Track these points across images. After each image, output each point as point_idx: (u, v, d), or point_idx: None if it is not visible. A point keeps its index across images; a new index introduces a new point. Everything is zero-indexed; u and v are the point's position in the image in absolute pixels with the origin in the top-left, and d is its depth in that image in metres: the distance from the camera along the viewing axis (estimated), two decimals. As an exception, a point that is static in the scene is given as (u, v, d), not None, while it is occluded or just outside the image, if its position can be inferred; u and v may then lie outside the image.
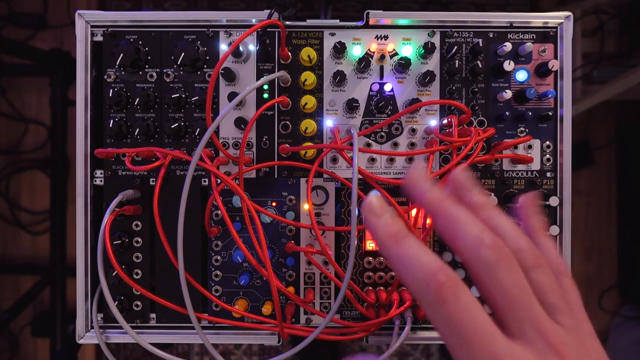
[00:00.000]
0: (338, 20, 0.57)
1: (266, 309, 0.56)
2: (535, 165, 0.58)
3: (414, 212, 0.53)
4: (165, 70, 0.58)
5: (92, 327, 0.57)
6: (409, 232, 0.32)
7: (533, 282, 0.30)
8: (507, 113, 0.57)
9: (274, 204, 0.58)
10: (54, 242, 1.46)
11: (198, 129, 0.57)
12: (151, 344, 0.54)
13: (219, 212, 0.57)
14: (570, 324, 0.30)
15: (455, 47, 0.56)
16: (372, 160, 0.58)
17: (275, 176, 0.58)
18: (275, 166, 0.58)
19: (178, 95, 0.56)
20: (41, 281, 1.63)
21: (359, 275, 0.59)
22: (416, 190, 0.34)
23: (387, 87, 0.57)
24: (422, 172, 0.34)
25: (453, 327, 0.28)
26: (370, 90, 0.58)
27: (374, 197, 0.34)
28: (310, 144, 0.58)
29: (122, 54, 0.55)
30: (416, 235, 0.49)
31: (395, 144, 0.58)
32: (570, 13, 0.56)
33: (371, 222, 0.33)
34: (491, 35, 0.58)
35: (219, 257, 0.58)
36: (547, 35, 0.57)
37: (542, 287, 0.30)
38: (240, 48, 0.55)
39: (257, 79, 0.58)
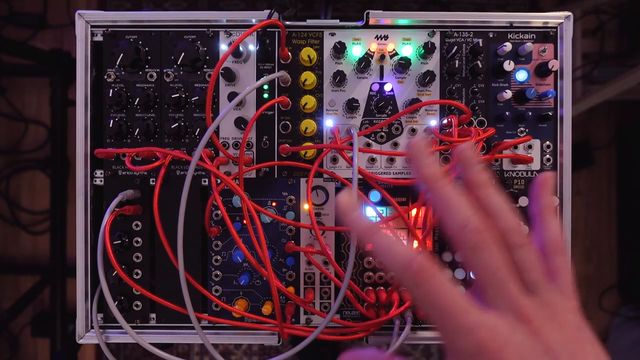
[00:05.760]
0: (338, 20, 0.57)
1: (266, 309, 0.56)
2: (535, 165, 0.58)
3: (413, 212, 0.53)
4: (165, 70, 0.58)
5: (92, 327, 0.57)
6: (379, 226, 0.34)
7: (517, 260, 0.33)
8: (507, 113, 0.57)
9: (274, 204, 0.58)
10: (54, 242, 1.46)
11: (198, 129, 0.57)
12: (151, 344, 0.54)
13: (219, 212, 0.57)
14: (547, 299, 0.32)
15: (455, 47, 0.56)
16: (372, 160, 0.58)
17: (275, 176, 0.58)
18: (275, 166, 0.58)
19: (178, 95, 0.56)
20: (41, 281, 1.63)
21: (359, 275, 0.59)
22: (416, 164, 0.36)
23: (387, 87, 0.57)
24: (423, 145, 0.36)
25: (431, 303, 0.32)
26: (370, 90, 0.58)
27: (343, 196, 0.36)
28: (310, 144, 0.58)
29: (122, 54, 0.55)
30: (416, 235, 0.49)
31: (395, 144, 0.58)
32: (570, 13, 0.56)
33: (344, 220, 0.36)
34: (491, 35, 0.58)
35: (219, 257, 0.58)
36: (547, 35, 0.57)
37: (524, 265, 0.33)
38: (240, 48, 0.55)
39: (257, 79, 0.58)
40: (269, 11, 0.53)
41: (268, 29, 0.57)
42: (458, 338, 0.31)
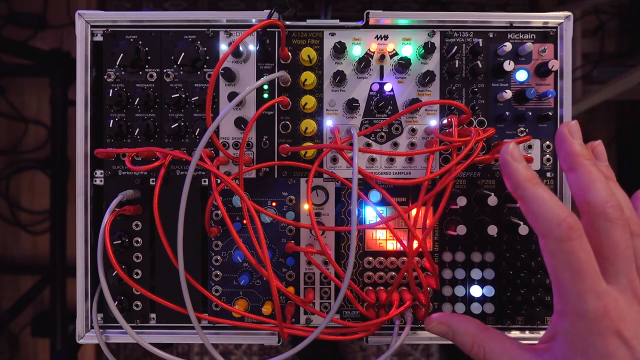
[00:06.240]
0: (338, 20, 0.57)
1: (266, 309, 0.56)
2: (535, 165, 0.58)
3: (413, 212, 0.53)
4: (165, 70, 0.58)
5: (92, 327, 0.58)
6: (538, 178, 0.40)
7: (634, 247, 0.38)
8: (507, 113, 0.57)
9: (274, 204, 0.58)
10: (54, 242, 1.46)
11: (198, 129, 0.57)
12: (151, 344, 0.54)
13: (219, 212, 0.57)
14: None
15: (455, 47, 0.56)
16: (372, 160, 0.58)
17: (275, 176, 0.58)
18: (275, 166, 0.58)
19: (178, 95, 0.57)
20: (41, 281, 1.63)
21: (359, 275, 0.59)
22: (566, 142, 0.41)
23: (387, 87, 0.57)
24: (575, 129, 0.42)
25: (570, 261, 0.35)
26: (370, 90, 0.58)
27: (515, 145, 0.42)
28: (310, 144, 0.58)
29: (122, 54, 0.55)
30: (417, 235, 0.49)
31: (395, 144, 0.58)
32: (570, 13, 0.56)
33: (511, 165, 0.41)
34: (491, 35, 0.58)
35: (219, 257, 0.58)
36: (547, 35, 0.57)
37: (638, 253, 0.38)
38: (240, 48, 0.55)
39: (257, 79, 0.58)
40: (269, 11, 0.53)
41: (268, 29, 0.57)
42: (587, 299, 0.35)
